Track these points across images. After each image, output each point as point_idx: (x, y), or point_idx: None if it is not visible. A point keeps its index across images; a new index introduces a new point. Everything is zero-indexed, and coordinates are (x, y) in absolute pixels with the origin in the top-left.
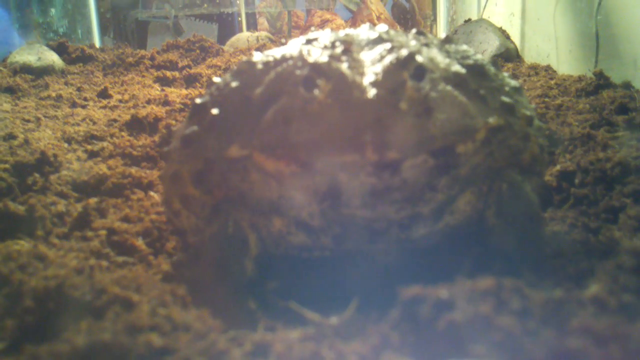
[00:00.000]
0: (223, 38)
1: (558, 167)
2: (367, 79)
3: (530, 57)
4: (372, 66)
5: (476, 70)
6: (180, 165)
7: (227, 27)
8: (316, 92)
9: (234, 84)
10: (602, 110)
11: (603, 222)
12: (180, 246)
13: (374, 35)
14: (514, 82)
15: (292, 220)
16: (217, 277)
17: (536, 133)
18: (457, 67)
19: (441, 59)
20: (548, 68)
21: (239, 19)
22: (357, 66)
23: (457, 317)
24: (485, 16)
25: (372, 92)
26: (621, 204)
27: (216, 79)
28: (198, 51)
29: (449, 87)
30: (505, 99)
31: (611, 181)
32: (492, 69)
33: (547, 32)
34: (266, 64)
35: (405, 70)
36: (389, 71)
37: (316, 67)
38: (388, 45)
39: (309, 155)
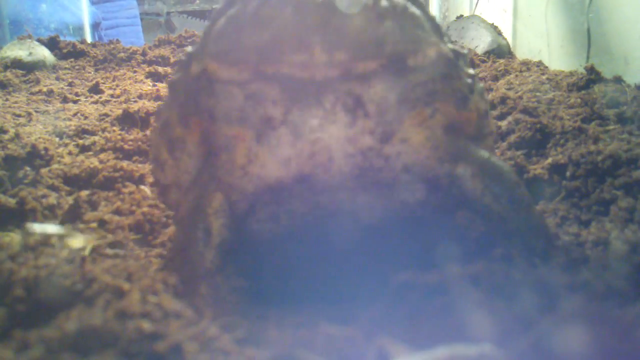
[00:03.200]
0: None
1: (549, 160)
2: None
3: (522, 53)
4: None
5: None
6: (169, 111)
7: None
8: None
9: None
10: (594, 104)
11: (594, 214)
12: (169, 238)
13: None
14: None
15: (254, 135)
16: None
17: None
18: None
19: None
20: (540, 64)
21: None
22: None
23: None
24: (477, 12)
25: None
26: (612, 196)
27: None
28: None
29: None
30: (452, 46)
31: (602, 174)
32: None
33: (538, 28)
34: None
35: None
36: None
37: None
38: None
39: (261, 58)
